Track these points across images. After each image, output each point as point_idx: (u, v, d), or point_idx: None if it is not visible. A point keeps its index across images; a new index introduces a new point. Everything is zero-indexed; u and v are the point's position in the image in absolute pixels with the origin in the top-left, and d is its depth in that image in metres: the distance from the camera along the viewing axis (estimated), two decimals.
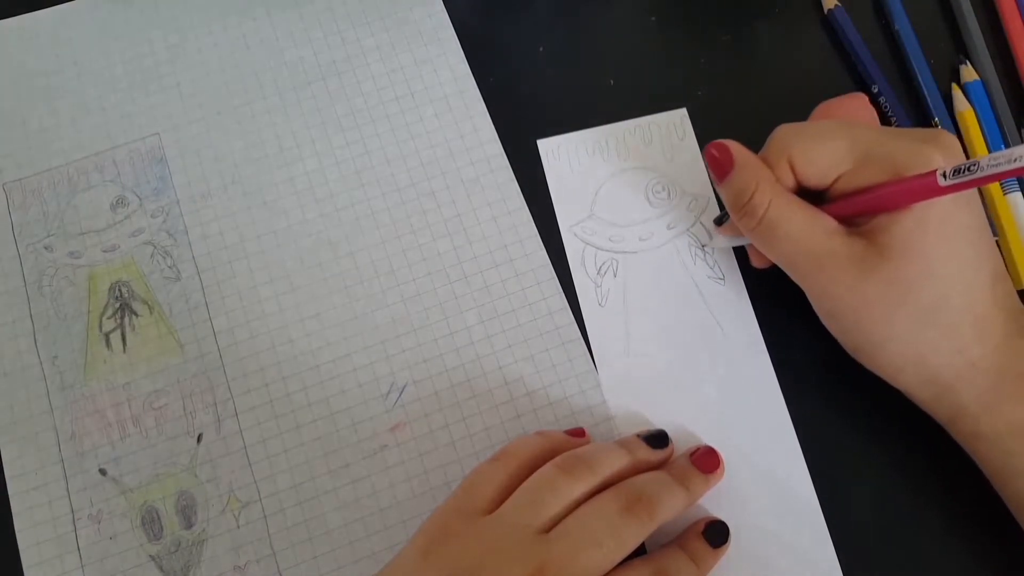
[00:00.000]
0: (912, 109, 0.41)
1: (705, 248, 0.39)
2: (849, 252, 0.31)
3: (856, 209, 0.32)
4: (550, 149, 0.41)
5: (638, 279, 0.39)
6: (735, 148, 0.34)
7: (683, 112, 0.42)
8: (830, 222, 0.32)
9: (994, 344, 0.31)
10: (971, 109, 0.40)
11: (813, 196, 0.33)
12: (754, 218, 0.33)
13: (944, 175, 0.28)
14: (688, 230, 0.40)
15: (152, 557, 0.35)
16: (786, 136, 0.33)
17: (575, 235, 0.40)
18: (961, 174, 0.28)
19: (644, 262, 0.39)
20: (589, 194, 0.41)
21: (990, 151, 0.39)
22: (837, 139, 0.32)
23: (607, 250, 0.40)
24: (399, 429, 0.37)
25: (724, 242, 0.39)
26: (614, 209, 0.40)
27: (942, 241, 0.30)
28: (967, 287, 0.31)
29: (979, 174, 0.27)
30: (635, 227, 0.40)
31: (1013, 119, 0.40)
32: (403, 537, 0.35)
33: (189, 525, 0.36)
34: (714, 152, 0.34)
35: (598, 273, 0.39)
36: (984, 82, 0.41)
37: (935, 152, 0.30)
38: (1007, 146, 0.39)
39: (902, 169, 0.31)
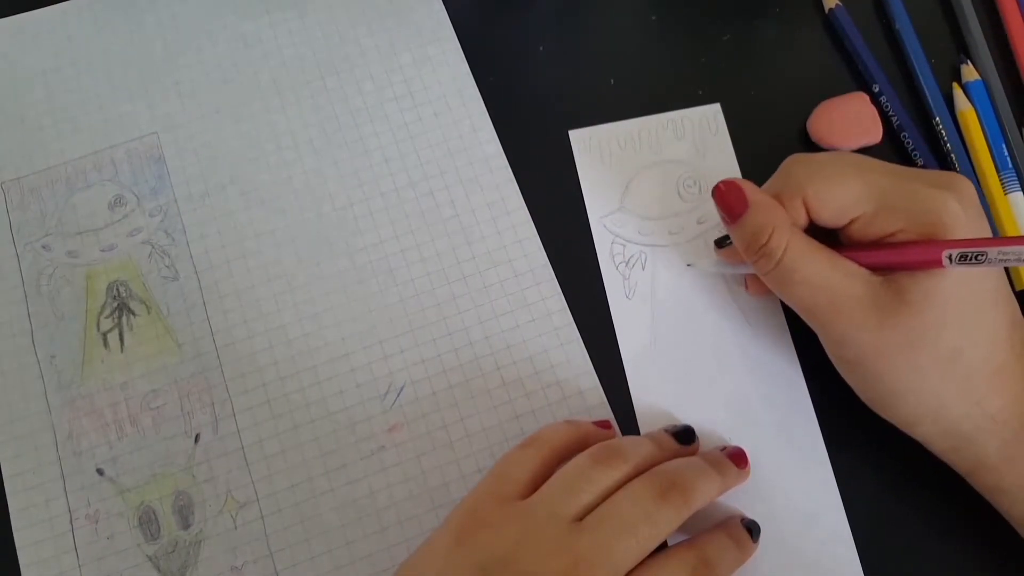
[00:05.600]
0: (913, 109, 0.41)
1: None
2: (871, 296, 0.30)
3: (869, 262, 0.31)
4: (581, 140, 0.41)
5: (666, 273, 0.39)
6: (748, 187, 0.32)
7: (717, 107, 0.41)
8: (850, 265, 0.31)
9: (1013, 395, 0.31)
10: (972, 109, 0.40)
11: (824, 233, 0.33)
12: (771, 261, 0.31)
13: (950, 259, 0.28)
14: (717, 226, 0.39)
15: (149, 557, 0.35)
16: (800, 173, 0.32)
17: (604, 227, 0.40)
18: (967, 261, 0.28)
19: (673, 256, 0.39)
20: (619, 186, 0.40)
21: (991, 151, 0.39)
22: (853, 181, 0.31)
23: (636, 243, 0.39)
24: (397, 430, 0.37)
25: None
26: (644, 202, 0.40)
27: (960, 288, 0.30)
28: (985, 336, 0.30)
29: (984, 263, 0.27)
30: (665, 220, 0.40)
31: (1014, 118, 0.40)
32: (401, 538, 0.35)
33: (186, 525, 0.36)
34: (724, 190, 0.33)
35: (626, 265, 0.39)
36: (985, 81, 0.41)
37: (951, 199, 0.30)
38: (1008, 147, 0.39)
39: (919, 216, 0.30)
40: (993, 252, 0.27)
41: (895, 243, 0.31)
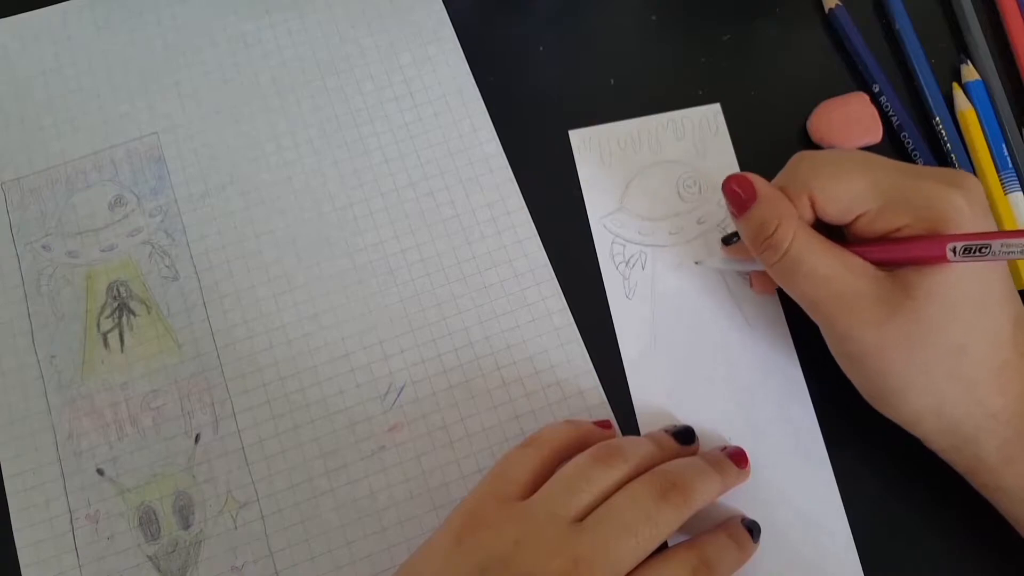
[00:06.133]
0: (913, 109, 0.41)
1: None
2: (875, 291, 0.31)
3: (875, 258, 0.31)
4: (581, 140, 0.41)
5: (667, 273, 0.39)
6: (757, 181, 0.33)
7: (717, 107, 0.41)
8: (855, 260, 0.31)
9: (1015, 394, 0.31)
10: (972, 109, 0.40)
11: (830, 230, 0.33)
12: (777, 253, 0.32)
13: (954, 251, 0.28)
14: (718, 226, 0.40)
15: (149, 557, 0.35)
16: (807, 170, 0.32)
17: (604, 227, 0.40)
18: (971, 254, 0.28)
19: (673, 256, 0.39)
20: (619, 186, 0.40)
21: (991, 151, 0.39)
22: (858, 177, 0.31)
23: (636, 243, 0.40)
24: (397, 430, 0.37)
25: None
26: (644, 202, 0.40)
27: (965, 284, 0.30)
28: (989, 334, 0.30)
29: (988, 256, 0.27)
30: (665, 221, 0.40)
31: (1014, 118, 0.40)
32: (401, 538, 0.35)
33: (186, 525, 0.36)
34: (734, 185, 0.33)
35: (626, 265, 0.39)
36: (985, 81, 0.41)
37: (957, 196, 0.30)
38: (1008, 146, 0.39)
39: (924, 212, 0.30)
40: (997, 245, 0.27)
41: (900, 238, 0.31)
